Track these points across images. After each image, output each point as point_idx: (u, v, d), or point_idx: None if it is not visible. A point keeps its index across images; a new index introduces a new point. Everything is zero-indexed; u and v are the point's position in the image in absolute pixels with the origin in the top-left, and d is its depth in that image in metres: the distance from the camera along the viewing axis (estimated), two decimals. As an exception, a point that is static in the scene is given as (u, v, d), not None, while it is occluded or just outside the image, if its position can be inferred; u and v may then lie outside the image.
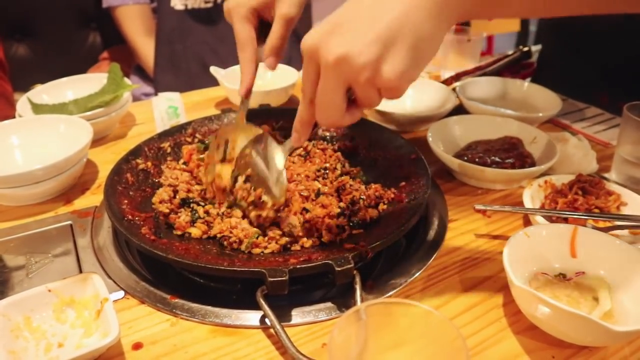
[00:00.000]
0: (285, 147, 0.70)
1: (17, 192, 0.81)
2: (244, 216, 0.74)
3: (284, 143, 0.71)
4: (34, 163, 0.80)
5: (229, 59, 1.60)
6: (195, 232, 0.73)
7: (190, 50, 1.70)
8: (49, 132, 0.93)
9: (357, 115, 0.58)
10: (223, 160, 0.80)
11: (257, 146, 0.75)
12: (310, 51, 0.53)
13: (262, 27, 0.80)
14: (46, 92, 1.10)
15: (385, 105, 1.12)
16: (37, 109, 1.04)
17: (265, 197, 0.73)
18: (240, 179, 0.75)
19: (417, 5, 0.50)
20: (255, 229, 0.71)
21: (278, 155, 0.71)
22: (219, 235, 0.71)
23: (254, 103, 1.13)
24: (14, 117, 1.03)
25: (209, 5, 1.69)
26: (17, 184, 0.80)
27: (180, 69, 1.71)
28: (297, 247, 0.70)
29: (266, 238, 0.71)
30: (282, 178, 0.72)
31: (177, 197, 0.78)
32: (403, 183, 0.80)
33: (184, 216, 0.75)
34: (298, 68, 1.26)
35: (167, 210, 0.76)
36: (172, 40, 1.68)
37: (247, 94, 0.81)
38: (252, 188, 0.74)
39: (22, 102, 1.04)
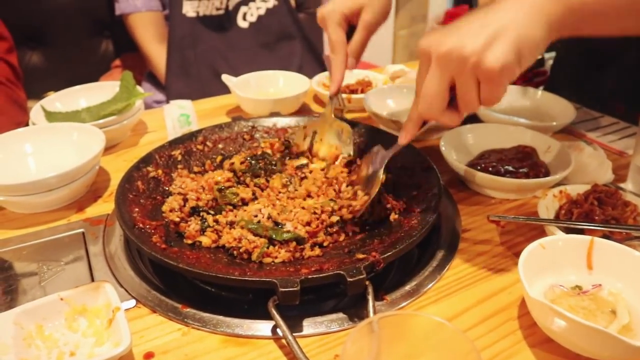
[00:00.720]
0: (393, 148, 0.75)
1: (30, 200, 0.82)
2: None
3: (393, 146, 0.76)
4: (47, 171, 0.81)
5: (240, 65, 1.61)
6: (205, 240, 0.73)
7: (202, 57, 1.71)
8: (62, 139, 0.94)
9: (455, 117, 0.63)
10: (310, 150, 0.91)
11: (370, 156, 0.81)
12: (425, 49, 0.60)
13: (351, 32, 0.88)
14: (59, 100, 1.11)
15: (396, 113, 1.11)
16: (51, 116, 1.05)
17: (359, 192, 0.78)
18: (343, 185, 0.82)
19: (525, 13, 0.57)
20: (263, 239, 0.71)
21: (384, 157, 0.76)
22: (227, 246, 0.71)
23: (264, 111, 1.13)
24: (27, 123, 1.04)
25: (221, 12, 1.70)
26: (30, 192, 0.80)
27: (191, 76, 1.72)
28: (308, 251, 0.70)
29: (276, 247, 0.70)
30: (378, 175, 0.76)
31: (187, 205, 0.78)
32: (415, 192, 0.80)
33: (193, 225, 0.75)
34: (309, 76, 1.26)
35: (178, 219, 0.76)
36: (183, 47, 1.69)
37: (337, 92, 0.89)
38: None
39: (36, 110, 1.05)
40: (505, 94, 0.60)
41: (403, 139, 0.71)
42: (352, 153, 0.90)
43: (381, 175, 0.75)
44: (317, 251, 0.70)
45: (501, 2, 0.58)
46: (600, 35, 0.65)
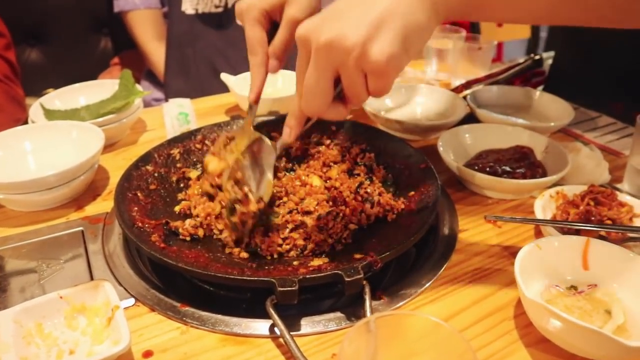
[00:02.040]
0: (277, 144, 0.72)
1: (30, 198, 0.82)
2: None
3: (277, 141, 0.72)
4: (47, 169, 0.81)
5: (239, 63, 1.61)
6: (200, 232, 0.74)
7: (201, 54, 1.71)
8: (62, 138, 0.94)
9: (342, 111, 0.58)
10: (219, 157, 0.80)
11: (252, 149, 0.75)
12: (303, 38, 0.54)
13: (274, 30, 0.78)
14: (59, 98, 1.11)
15: (394, 113, 1.12)
16: (50, 114, 1.05)
17: (250, 195, 0.72)
18: (228, 183, 0.74)
19: None
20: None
21: (269, 153, 0.73)
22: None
23: (263, 110, 1.13)
24: (25, 120, 1.04)
25: (220, 9, 1.70)
26: (29, 190, 0.81)
27: (190, 73, 1.72)
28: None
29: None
30: (268, 175, 0.72)
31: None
32: (412, 192, 0.80)
33: (188, 223, 0.76)
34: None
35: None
36: (182, 45, 1.69)
37: (256, 99, 0.80)
38: (238, 188, 0.73)
39: (35, 108, 1.05)
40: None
41: (288, 136, 0.65)
42: (270, 176, 0.77)
43: (272, 178, 0.73)
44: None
45: None
46: (496, 21, 0.62)
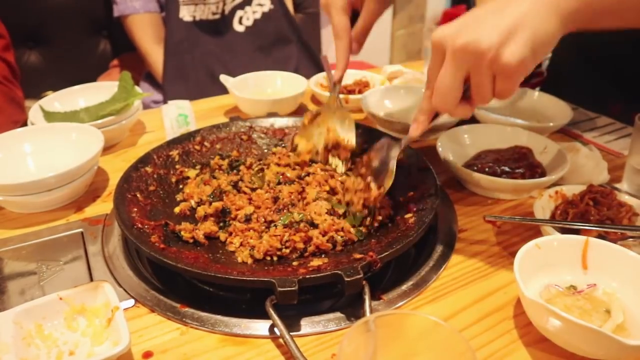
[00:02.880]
0: (403, 139, 0.76)
1: (30, 200, 0.82)
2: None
3: (403, 137, 0.76)
4: (47, 171, 0.81)
5: (236, 69, 1.62)
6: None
7: (199, 60, 1.72)
8: (61, 139, 0.94)
9: (468, 109, 0.65)
10: (326, 147, 0.90)
11: (379, 148, 0.81)
12: (440, 42, 0.60)
13: (354, 17, 0.88)
14: (58, 100, 1.11)
15: (394, 114, 1.12)
16: (49, 116, 1.05)
17: (372, 184, 0.77)
18: (352, 177, 0.82)
19: (540, 7, 0.57)
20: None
21: (394, 149, 0.77)
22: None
23: (262, 111, 1.14)
24: (25, 122, 1.04)
25: (217, 16, 1.70)
26: (29, 192, 0.81)
27: (188, 79, 1.72)
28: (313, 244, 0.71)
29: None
30: (390, 166, 0.76)
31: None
32: (412, 193, 0.80)
33: (187, 225, 0.76)
34: (306, 76, 1.27)
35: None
36: (180, 51, 1.69)
37: (341, 78, 0.89)
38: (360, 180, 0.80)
39: (35, 110, 1.06)
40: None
41: (415, 130, 0.71)
42: (353, 141, 0.90)
43: (394, 168, 0.75)
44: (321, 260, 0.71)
45: None
46: (615, 28, 0.65)
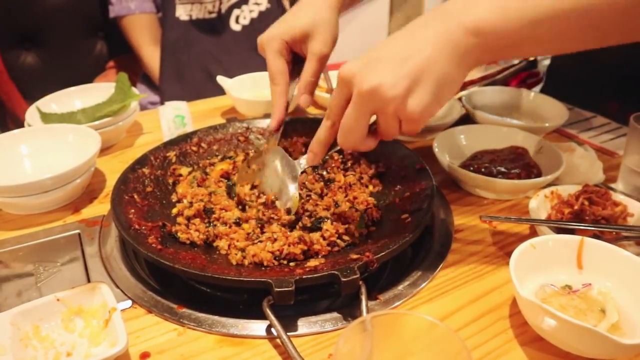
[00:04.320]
0: (300, 163, 0.75)
1: (27, 201, 0.82)
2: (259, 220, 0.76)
3: (298, 160, 0.75)
4: (43, 172, 0.81)
5: (233, 68, 1.62)
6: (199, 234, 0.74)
7: (195, 60, 1.72)
8: (58, 141, 0.94)
9: (372, 143, 0.64)
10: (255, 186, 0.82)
11: (271, 159, 0.79)
12: (347, 79, 0.59)
13: (295, 61, 0.83)
14: (55, 102, 1.11)
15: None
16: (46, 118, 1.05)
17: (278, 203, 0.76)
18: (246, 187, 0.80)
19: (442, 52, 0.57)
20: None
21: (292, 170, 0.76)
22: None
23: (258, 112, 1.14)
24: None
25: (213, 15, 1.70)
26: (26, 193, 0.81)
27: (185, 79, 1.72)
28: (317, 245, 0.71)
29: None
30: (294, 192, 0.75)
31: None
32: (408, 193, 0.80)
33: (184, 226, 0.76)
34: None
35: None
36: (177, 50, 1.69)
37: (278, 127, 0.82)
38: (261, 193, 0.79)
39: (31, 112, 1.06)
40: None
41: (312, 160, 0.69)
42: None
43: (297, 194, 0.75)
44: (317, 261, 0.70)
45: (420, 30, 0.59)
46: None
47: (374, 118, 0.62)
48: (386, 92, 0.56)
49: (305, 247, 0.71)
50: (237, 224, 0.76)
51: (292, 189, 0.76)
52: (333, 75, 1.31)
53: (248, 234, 0.74)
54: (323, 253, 0.71)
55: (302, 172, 0.76)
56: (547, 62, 1.39)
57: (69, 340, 0.59)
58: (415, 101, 0.57)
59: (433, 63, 0.57)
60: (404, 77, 0.56)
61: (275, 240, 0.71)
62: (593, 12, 0.55)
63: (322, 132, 0.66)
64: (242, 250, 0.71)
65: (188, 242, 0.74)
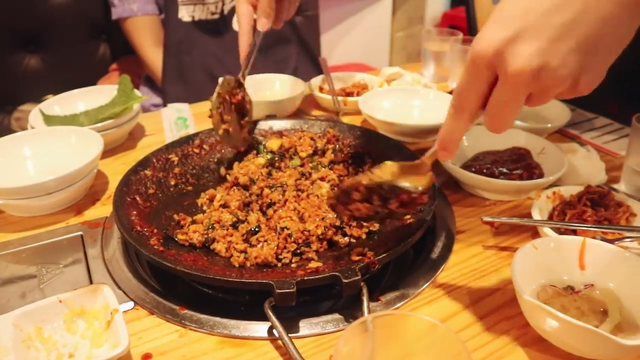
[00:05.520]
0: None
1: (29, 203, 0.82)
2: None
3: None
4: (46, 174, 0.81)
5: (235, 69, 1.61)
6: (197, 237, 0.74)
7: (198, 61, 1.72)
8: (61, 143, 0.95)
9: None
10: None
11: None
12: (492, 58, 0.47)
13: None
14: (58, 104, 1.12)
15: (391, 115, 1.12)
16: (49, 120, 1.06)
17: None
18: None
19: (622, 16, 0.45)
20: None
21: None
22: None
23: (260, 113, 1.14)
24: None
25: (216, 16, 1.71)
26: (29, 195, 0.81)
27: (187, 80, 1.72)
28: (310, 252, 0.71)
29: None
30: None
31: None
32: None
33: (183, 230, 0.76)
34: (305, 79, 1.27)
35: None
36: (179, 52, 1.70)
37: (246, 62, 0.93)
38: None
39: (34, 114, 1.06)
40: None
41: (445, 158, 0.59)
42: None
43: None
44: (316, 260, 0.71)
45: None
46: None
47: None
48: (554, 73, 0.45)
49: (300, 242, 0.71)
50: (234, 226, 0.75)
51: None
52: (335, 76, 1.31)
53: (243, 234, 0.73)
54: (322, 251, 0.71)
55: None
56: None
57: (71, 341, 0.60)
58: (589, 77, 0.47)
59: (606, 22, 0.45)
60: (573, 49, 0.45)
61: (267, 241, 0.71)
62: None
63: (456, 127, 0.55)
64: (244, 252, 0.71)
65: (187, 244, 0.74)
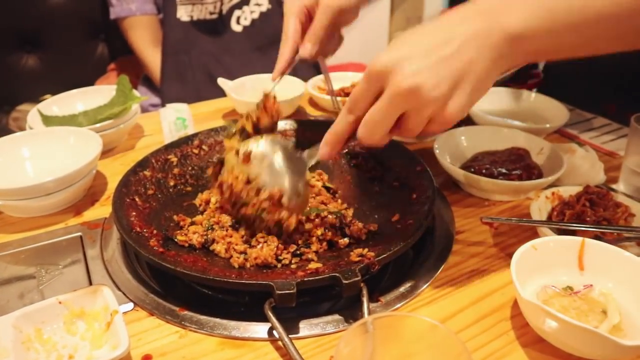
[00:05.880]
0: (311, 157, 0.69)
1: (28, 204, 0.82)
2: (252, 224, 0.73)
3: (309, 152, 0.70)
4: (45, 175, 0.81)
5: (234, 69, 1.62)
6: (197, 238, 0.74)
7: (196, 60, 1.72)
8: (59, 144, 0.94)
9: (387, 139, 0.61)
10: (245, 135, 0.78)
11: (270, 150, 0.73)
12: (380, 73, 0.55)
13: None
14: (56, 104, 1.11)
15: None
16: (48, 120, 1.06)
17: (284, 199, 0.70)
18: (240, 181, 0.73)
19: (482, 54, 0.55)
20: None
21: (299, 164, 0.71)
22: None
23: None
24: None
25: (214, 16, 1.71)
26: (28, 196, 0.81)
27: (186, 80, 1.72)
28: (309, 254, 0.71)
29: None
30: (304, 189, 0.71)
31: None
32: (409, 195, 0.80)
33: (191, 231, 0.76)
34: (303, 78, 1.27)
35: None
36: (178, 51, 1.69)
37: (280, 76, 0.85)
38: (263, 189, 0.71)
39: (33, 114, 1.06)
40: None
41: (326, 155, 0.64)
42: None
43: (307, 193, 0.72)
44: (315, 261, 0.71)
45: (458, 27, 0.56)
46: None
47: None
48: (427, 93, 0.54)
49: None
50: (234, 227, 0.75)
51: (300, 186, 0.70)
52: (333, 76, 1.31)
53: (243, 236, 0.73)
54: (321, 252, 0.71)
55: (311, 167, 0.71)
56: (543, 63, 1.39)
57: (71, 342, 0.59)
58: (455, 104, 0.55)
59: (474, 64, 0.55)
60: (446, 78, 0.54)
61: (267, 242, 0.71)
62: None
63: (341, 126, 0.61)
64: (243, 252, 0.71)
65: (187, 245, 0.74)
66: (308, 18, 0.82)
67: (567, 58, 0.62)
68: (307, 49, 0.81)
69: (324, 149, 0.64)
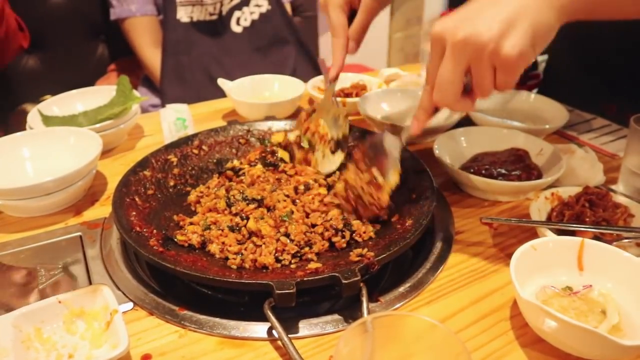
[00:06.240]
0: (402, 136, 0.75)
1: (28, 204, 0.82)
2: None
3: (402, 131, 0.75)
4: (45, 175, 0.81)
5: (234, 70, 1.62)
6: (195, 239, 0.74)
7: (196, 61, 1.72)
8: (59, 144, 0.94)
9: (469, 104, 0.64)
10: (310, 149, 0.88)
11: (375, 143, 0.79)
12: (439, 35, 0.60)
13: (352, 16, 0.87)
14: (56, 104, 1.11)
15: (391, 116, 1.12)
16: (48, 121, 1.06)
17: (380, 178, 0.76)
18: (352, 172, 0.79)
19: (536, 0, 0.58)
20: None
21: (394, 144, 0.77)
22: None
23: (259, 115, 1.14)
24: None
25: (214, 17, 1.71)
26: (28, 196, 0.81)
27: (186, 80, 1.73)
28: (309, 254, 0.71)
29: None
30: (394, 162, 0.76)
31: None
32: (409, 195, 0.80)
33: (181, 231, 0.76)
34: (303, 79, 1.27)
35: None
36: (178, 52, 1.70)
37: (336, 76, 0.88)
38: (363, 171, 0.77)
39: (33, 114, 1.06)
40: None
41: (415, 128, 0.70)
42: (347, 134, 0.90)
43: (399, 163, 0.76)
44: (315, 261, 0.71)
45: None
46: (614, 19, 0.66)
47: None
48: (480, 37, 0.57)
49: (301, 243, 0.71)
50: (232, 229, 0.74)
51: (395, 160, 0.76)
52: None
53: (238, 240, 0.73)
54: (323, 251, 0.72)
55: (406, 143, 0.77)
56: (543, 64, 1.40)
57: (71, 342, 0.60)
58: (510, 43, 0.57)
59: (528, 8, 0.57)
60: (498, 20, 0.57)
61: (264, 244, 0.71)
62: None
63: (424, 99, 0.67)
64: (239, 253, 0.71)
65: (186, 244, 0.74)
66: (349, 8, 0.86)
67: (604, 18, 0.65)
68: (352, 48, 0.85)
69: (413, 123, 0.70)
